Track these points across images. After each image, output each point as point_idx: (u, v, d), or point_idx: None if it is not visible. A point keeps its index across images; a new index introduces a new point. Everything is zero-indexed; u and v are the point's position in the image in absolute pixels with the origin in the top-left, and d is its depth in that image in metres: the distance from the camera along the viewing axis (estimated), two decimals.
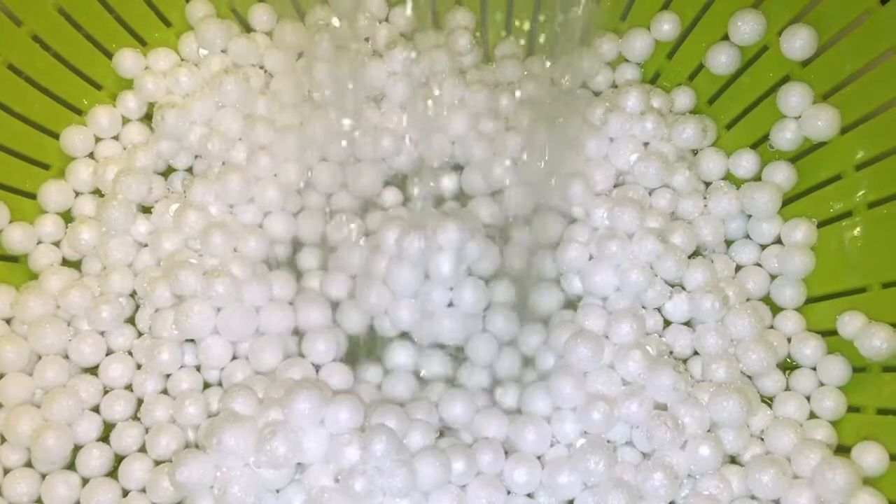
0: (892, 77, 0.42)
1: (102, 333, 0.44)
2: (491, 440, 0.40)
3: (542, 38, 0.52)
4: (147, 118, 0.49)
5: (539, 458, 0.40)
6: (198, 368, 0.44)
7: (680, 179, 0.47)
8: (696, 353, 0.44)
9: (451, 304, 0.44)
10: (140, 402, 0.43)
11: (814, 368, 0.43)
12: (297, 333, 0.44)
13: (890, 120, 0.42)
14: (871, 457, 0.39)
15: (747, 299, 0.45)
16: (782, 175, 0.46)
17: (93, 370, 0.44)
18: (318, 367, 0.43)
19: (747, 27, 0.46)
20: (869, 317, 0.42)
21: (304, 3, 0.50)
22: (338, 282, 0.45)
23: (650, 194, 0.47)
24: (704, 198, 0.47)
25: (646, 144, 0.48)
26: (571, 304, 0.46)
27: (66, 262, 0.46)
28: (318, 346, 0.42)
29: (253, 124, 0.47)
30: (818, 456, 0.39)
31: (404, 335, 0.45)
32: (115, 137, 0.49)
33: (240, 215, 0.46)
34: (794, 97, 0.45)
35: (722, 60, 0.47)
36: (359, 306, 0.44)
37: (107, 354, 0.44)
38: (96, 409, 0.43)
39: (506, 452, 0.40)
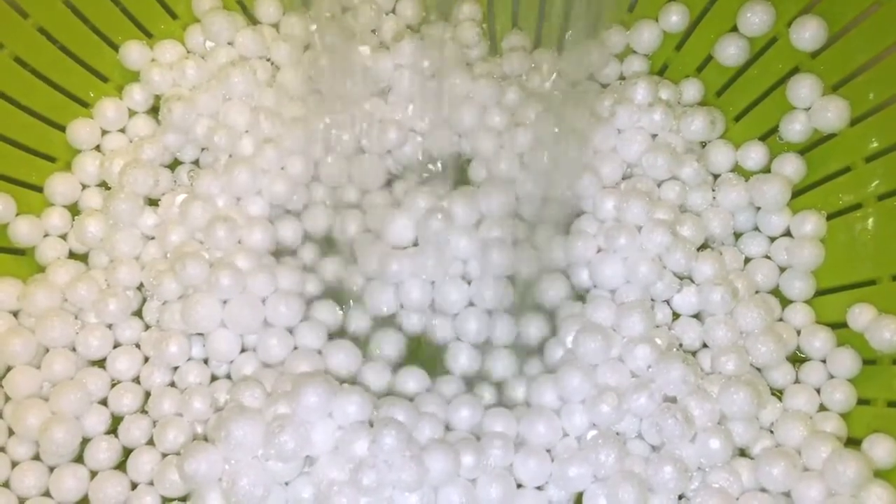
0: None
1: (110, 326, 0.44)
2: (500, 434, 0.40)
3: (549, 31, 0.51)
4: (153, 111, 0.49)
5: (549, 451, 0.40)
6: (205, 361, 0.44)
7: (688, 171, 0.47)
8: (705, 345, 0.44)
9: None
10: (148, 394, 0.43)
11: (823, 361, 0.43)
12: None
13: None
14: (881, 449, 0.39)
15: (756, 292, 0.45)
16: (791, 167, 0.46)
17: (100, 363, 0.44)
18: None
19: (756, 18, 0.46)
20: (879, 309, 0.42)
21: None
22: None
23: (658, 186, 0.47)
24: (713, 190, 0.47)
25: (654, 136, 0.48)
26: (580, 296, 0.45)
27: (72, 255, 0.46)
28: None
29: (259, 117, 0.47)
30: (828, 448, 0.39)
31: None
32: (122, 130, 0.49)
33: (246, 208, 0.46)
34: (803, 88, 0.45)
35: (731, 52, 0.47)
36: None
37: (114, 347, 0.44)
38: (104, 402, 0.43)
39: (515, 446, 0.40)
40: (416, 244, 0.45)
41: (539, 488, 0.40)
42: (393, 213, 0.45)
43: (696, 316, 0.45)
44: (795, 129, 0.46)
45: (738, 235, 0.47)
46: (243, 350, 0.43)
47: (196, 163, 0.48)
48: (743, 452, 0.41)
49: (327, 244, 0.47)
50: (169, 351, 0.43)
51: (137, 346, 0.44)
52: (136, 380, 0.43)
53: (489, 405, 0.42)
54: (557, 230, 0.46)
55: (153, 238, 0.46)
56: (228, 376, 0.43)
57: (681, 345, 0.43)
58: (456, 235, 0.44)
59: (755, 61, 0.47)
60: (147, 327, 0.45)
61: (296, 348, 0.43)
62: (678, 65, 0.50)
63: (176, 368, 0.43)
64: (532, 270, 0.45)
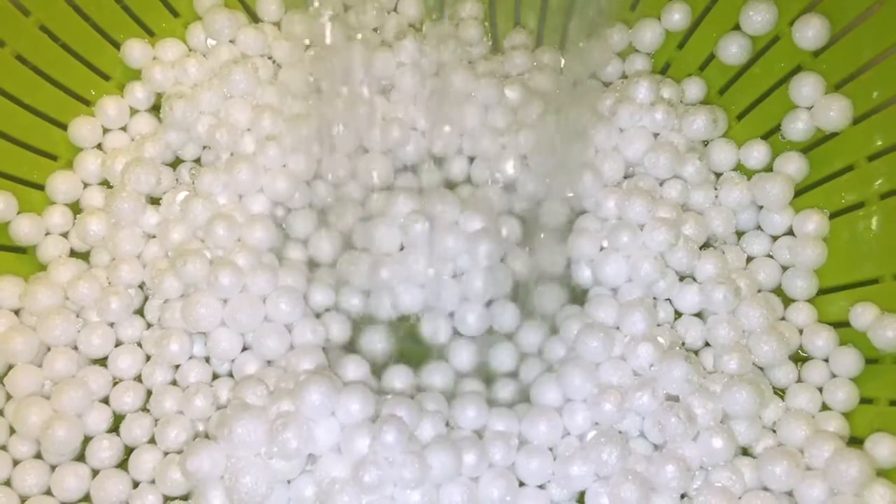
0: None
1: (111, 325, 0.44)
2: (502, 432, 0.40)
3: (551, 29, 0.51)
4: (155, 109, 0.49)
5: (551, 449, 0.40)
6: (207, 359, 0.44)
7: (690, 170, 0.47)
8: (707, 344, 0.44)
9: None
10: (149, 393, 0.43)
11: (826, 360, 0.43)
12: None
13: None
14: (884, 448, 0.39)
15: (759, 291, 0.45)
16: (794, 166, 0.46)
17: (102, 361, 0.44)
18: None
19: (759, 17, 0.46)
20: (881, 308, 0.42)
21: None
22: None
23: (660, 185, 0.47)
24: (715, 189, 0.47)
25: (656, 135, 0.47)
26: (582, 295, 0.45)
27: (74, 254, 0.46)
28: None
29: (261, 115, 0.47)
30: (831, 447, 0.39)
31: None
32: (123, 128, 0.49)
33: (248, 206, 0.46)
34: (805, 87, 0.45)
35: (733, 50, 0.47)
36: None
37: (116, 346, 0.44)
38: (106, 401, 0.43)
39: (517, 444, 0.40)
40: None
41: (541, 487, 0.40)
42: (375, 221, 0.45)
43: (699, 315, 0.44)
44: (798, 127, 0.46)
45: (740, 234, 0.47)
46: (245, 348, 0.43)
47: (198, 161, 0.48)
48: (745, 451, 0.41)
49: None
50: (170, 349, 0.43)
51: (139, 344, 0.44)
52: (138, 378, 0.43)
53: (491, 402, 0.42)
54: (558, 229, 0.46)
55: (154, 236, 0.46)
56: (230, 374, 0.43)
57: (683, 343, 0.43)
58: (441, 235, 0.44)
59: (757, 60, 0.47)
60: (148, 326, 0.44)
61: (292, 347, 0.43)
62: (680, 63, 0.50)
63: (177, 367, 0.43)
64: (532, 273, 0.45)
